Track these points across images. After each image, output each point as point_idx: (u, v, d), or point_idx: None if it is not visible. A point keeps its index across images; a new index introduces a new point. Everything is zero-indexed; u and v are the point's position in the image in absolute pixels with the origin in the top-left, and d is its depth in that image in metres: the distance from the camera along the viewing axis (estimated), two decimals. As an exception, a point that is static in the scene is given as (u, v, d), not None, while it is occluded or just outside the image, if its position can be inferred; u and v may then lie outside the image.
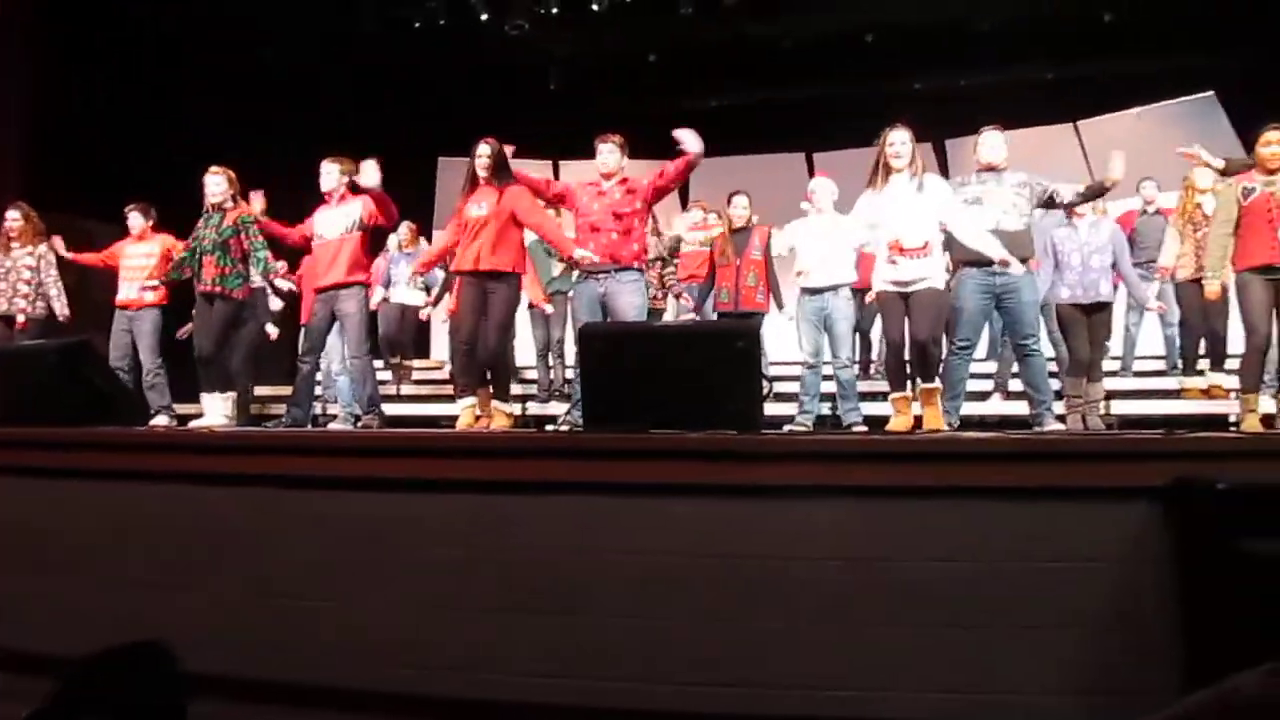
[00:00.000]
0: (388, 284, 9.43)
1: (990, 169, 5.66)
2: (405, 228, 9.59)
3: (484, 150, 6.03)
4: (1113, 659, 2.92)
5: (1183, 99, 10.58)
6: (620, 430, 3.64)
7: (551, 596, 3.23)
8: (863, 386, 8.56)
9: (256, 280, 7.21)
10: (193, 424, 6.36)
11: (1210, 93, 10.28)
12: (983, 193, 5.60)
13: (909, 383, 5.92)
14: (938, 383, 5.57)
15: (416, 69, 11.40)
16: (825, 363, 6.77)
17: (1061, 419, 6.15)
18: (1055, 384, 6.78)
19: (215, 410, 6.46)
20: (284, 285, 6.71)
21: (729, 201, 7.31)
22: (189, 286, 6.71)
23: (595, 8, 10.41)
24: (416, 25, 10.68)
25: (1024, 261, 5.46)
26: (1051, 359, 7.67)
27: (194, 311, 6.74)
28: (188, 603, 3.46)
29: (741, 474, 3.24)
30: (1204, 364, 7.72)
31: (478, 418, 6.23)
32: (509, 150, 6.15)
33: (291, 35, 10.29)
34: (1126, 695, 2.84)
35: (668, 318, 8.34)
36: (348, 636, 3.35)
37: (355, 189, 6.35)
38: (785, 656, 3.05)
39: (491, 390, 6.14)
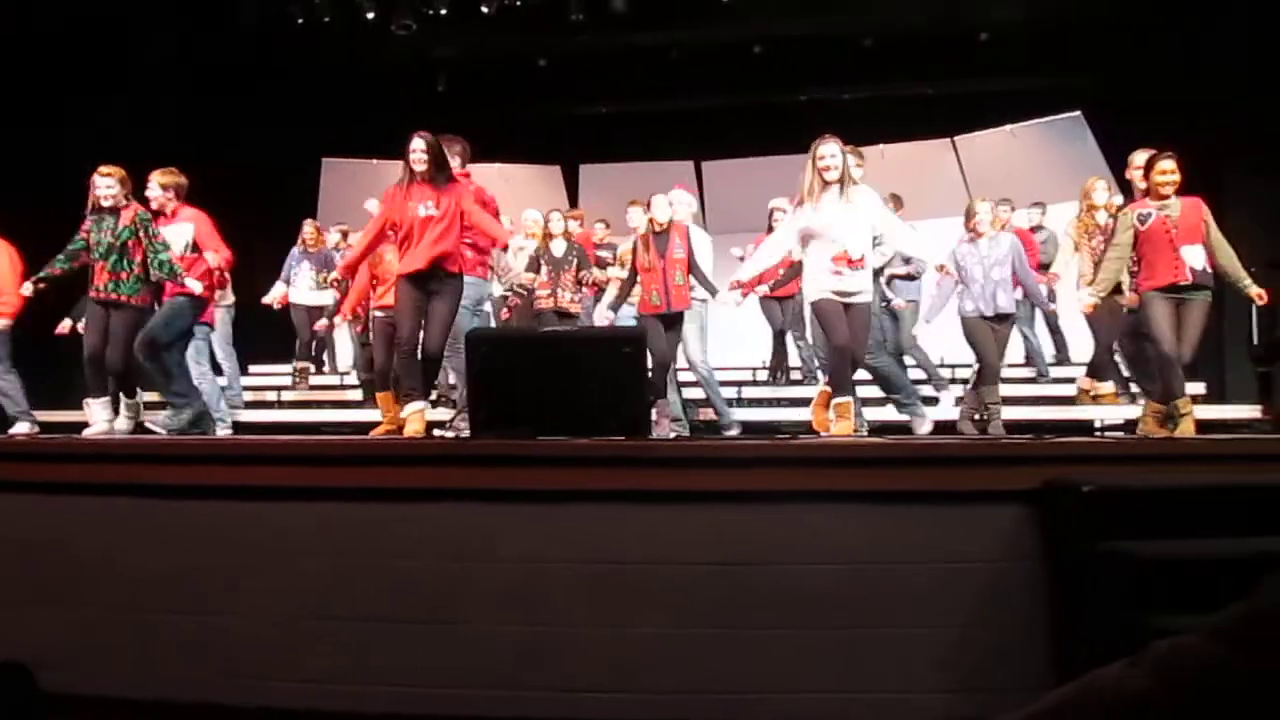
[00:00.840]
0: (288, 283, 9.22)
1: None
2: (309, 226, 9.36)
3: (418, 145, 5.77)
4: (984, 656, 3.01)
5: (1052, 117, 11.03)
6: (507, 437, 3.62)
7: (427, 605, 3.19)
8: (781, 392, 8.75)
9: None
10: (86, 432, 6.04)
11: (1078, 112, 10.73)
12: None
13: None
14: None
15: (300, 67, 11.13)
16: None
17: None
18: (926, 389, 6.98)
19: (100, 416, 6.17)
20: (195, 286, 6.25)
21: (648, 205, 7.31)
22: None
23: (485, 10, 10.30)
24: (300, 22, 10.42)
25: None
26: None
27: (86, 315, 6.36)
28: (42, 618, 3.31)
29: (626, 480, 3.25)
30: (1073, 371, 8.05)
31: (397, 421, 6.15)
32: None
33: (167, 31, 9.93)
34: (996, 691, 2.93)
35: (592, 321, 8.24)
36: (213, 650, 3.24)
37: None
38: (664, 661, 3.07)
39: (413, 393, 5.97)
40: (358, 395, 8.96)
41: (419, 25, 10.49)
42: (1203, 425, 6.68)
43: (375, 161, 11.51)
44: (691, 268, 7.04)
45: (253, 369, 10.40)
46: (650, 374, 7.09)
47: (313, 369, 9.95)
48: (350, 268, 6.46)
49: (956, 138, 11.87)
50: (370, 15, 10.33)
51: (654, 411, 6.22)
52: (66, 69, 9.14)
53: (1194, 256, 5.60)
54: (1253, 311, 6.61)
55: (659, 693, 3.05)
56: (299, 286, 9.20)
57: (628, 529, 3.19)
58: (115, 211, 6.12)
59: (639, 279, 7.05)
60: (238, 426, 7.99)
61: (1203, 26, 8.96)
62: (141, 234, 6.09)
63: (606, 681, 3.07)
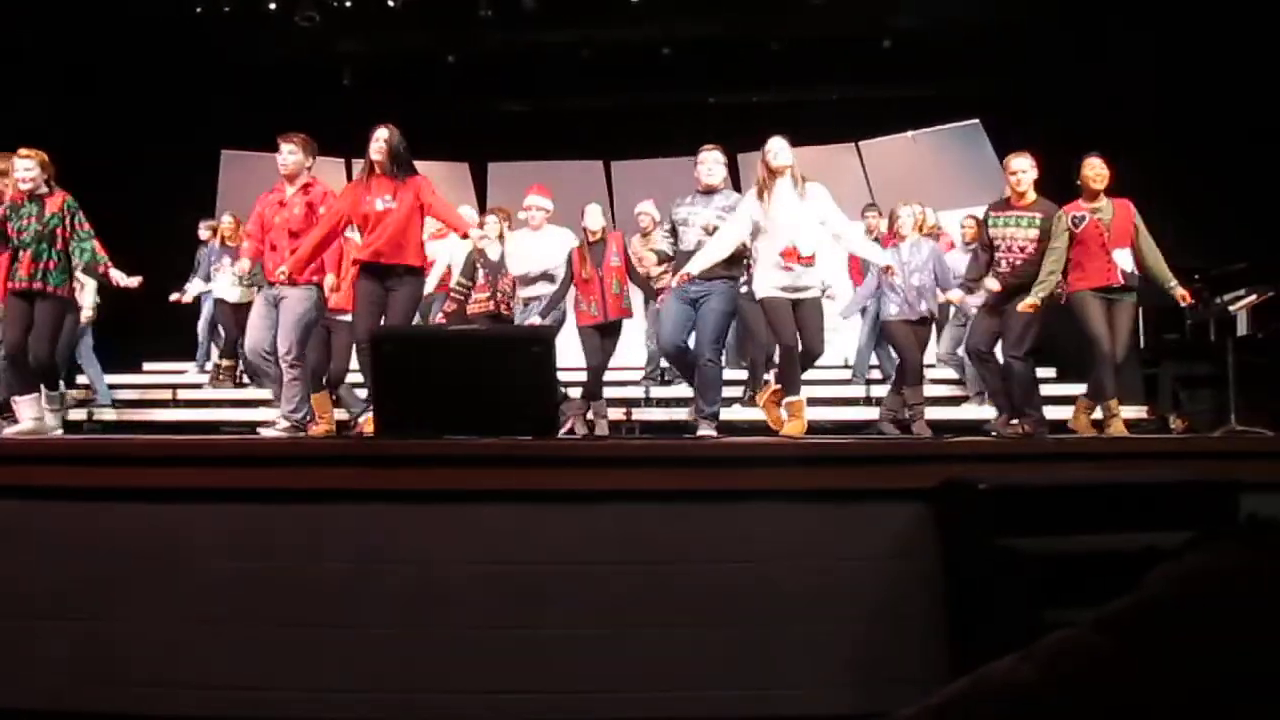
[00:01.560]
0: (208, 279, 8.99)
1: (710, 190, 5.86)
2: (229, 219, 9.10)
3: (380, 135, 5.62)
4: (884, 652, 3.07)
5: (952, 125, 11.30)
6: (411, 437, 3.57)
7: (327, 609, 3.13)
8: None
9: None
10: (9, 431, 5.72)
11: (976, 120, 11.02)
12: (689, 214, 5.80)
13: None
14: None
15: (199, 58, 10.81)
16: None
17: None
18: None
19: (28, 414, 5.81)
20: (124, 280, 5.86)
21: (581, 214, 7.25)
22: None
23: (391, 4, 10.15)
24: (199, 10, 10.11)
25: (711, 280, 5.64)
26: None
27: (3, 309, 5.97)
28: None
29: (531, 480, 3.24)
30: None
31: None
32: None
33: (60, 21, 9.55)
34: (896, 686, 2.99)
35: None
36: (103, 658, 3.13)
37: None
38: (566, 661, 3.07)
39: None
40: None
41: (322, 18, 10.28)
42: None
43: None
44: (630, 274, 7.03)
45: (148, 366, 10.09)
46: (587, 381, 7.07)
47: (240, 367, 9.62)
48: (300, 265, 5.82)
49: (861, 142, 12.07)
50: (272, 6, 10.09)
51: (564, 412, 6.20)
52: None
53: (1124, 259, 5.80)
54: (1139, 315, 6.86)
55: (564, 693, 3.04)
56: (221, 282, 8.92)
57: (533, 529, 3.18)
58: (38, 198, 5.73)
59: (576, 292, 6.99)
60: (137, 426, 7.77)
61: (1100, 34, 9.27)
62: (70, 220, 5.73)
63: (510, 683, 3.05)
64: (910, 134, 11.63)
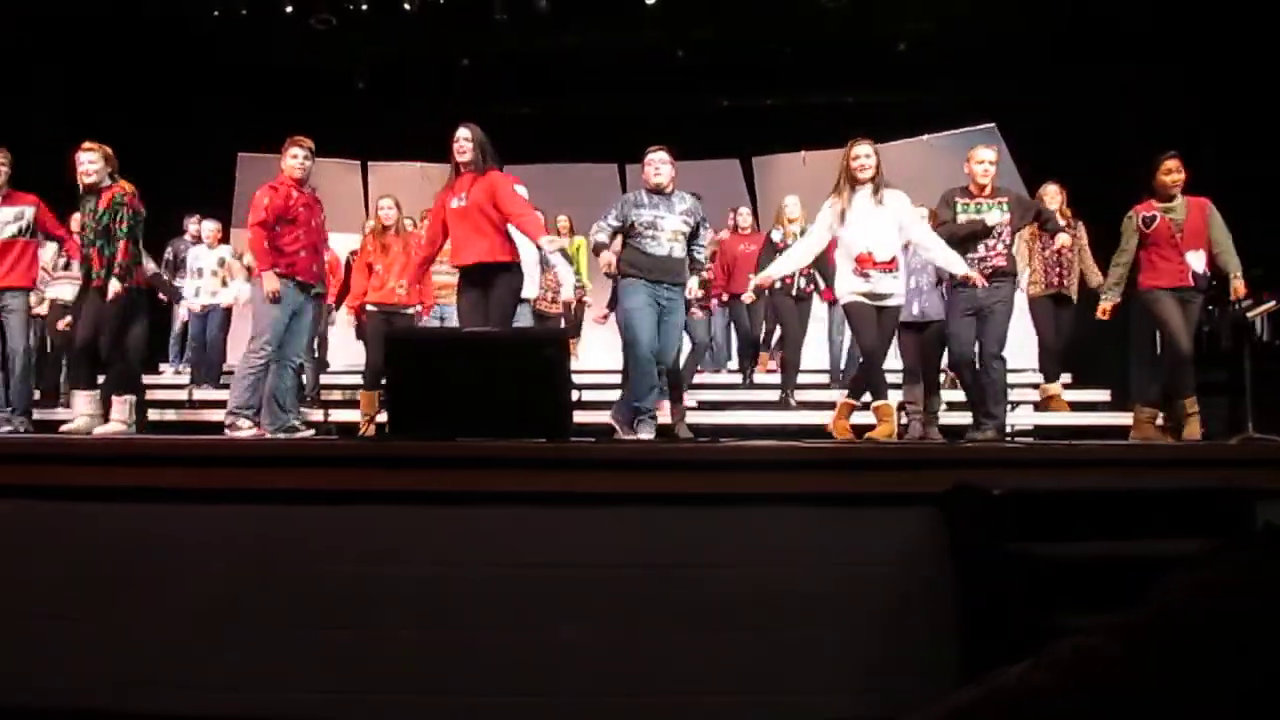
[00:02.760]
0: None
1: (659, 190, 5.84)
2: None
3: (463, 134, 5.64)
4: (893, 658, 3.06)
5: (968, 129, 11.24)
6: (423, 438, 3.57)
7: (337, 611, 3.13)
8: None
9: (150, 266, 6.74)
10: (99, 430, 5.72)
11: (992, 124, 10.97)
12: (656, 218, 5.76)
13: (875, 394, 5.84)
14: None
15: (215, 61, 10.86)
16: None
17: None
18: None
19: (82, 409, 5.89)
20: (111, 290, 5.78)
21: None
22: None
23: (407, 7, 10.18)
24: (216, 14, 10.16)
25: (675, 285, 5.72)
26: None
27: (73, 304, 6.18)
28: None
29: (545, 482, 3.23)
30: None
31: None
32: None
33: (76, 20, 9.60)
34: (906, 692, 2.97)
35: None
36: (104, 657, 3.13)
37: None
38: (577, 666, 3.06)
39: None
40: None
41: (339, 21, 10.32)
42: (1104, 431, 6.87)
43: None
44: None
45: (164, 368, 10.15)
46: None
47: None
48: (423, 268, 6.20)
49: (877, 146, 12.02)
50: (289, 9, 10.13)
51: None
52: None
53: (1196, 261, 5.78)
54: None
55: (572, 697, 3.03)
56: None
57: (543, 532, 3.17)
58: (96, 191, 5.84)
59: None
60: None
61: (1118, 35, 9.23)
62: (112, 217, 5.79)
63: (518, 687, 3.04)
64: (925, 138, 11.59)
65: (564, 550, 3.14)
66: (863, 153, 5.65)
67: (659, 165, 5.81)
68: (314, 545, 3.19)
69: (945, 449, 3.77)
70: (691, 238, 5.88)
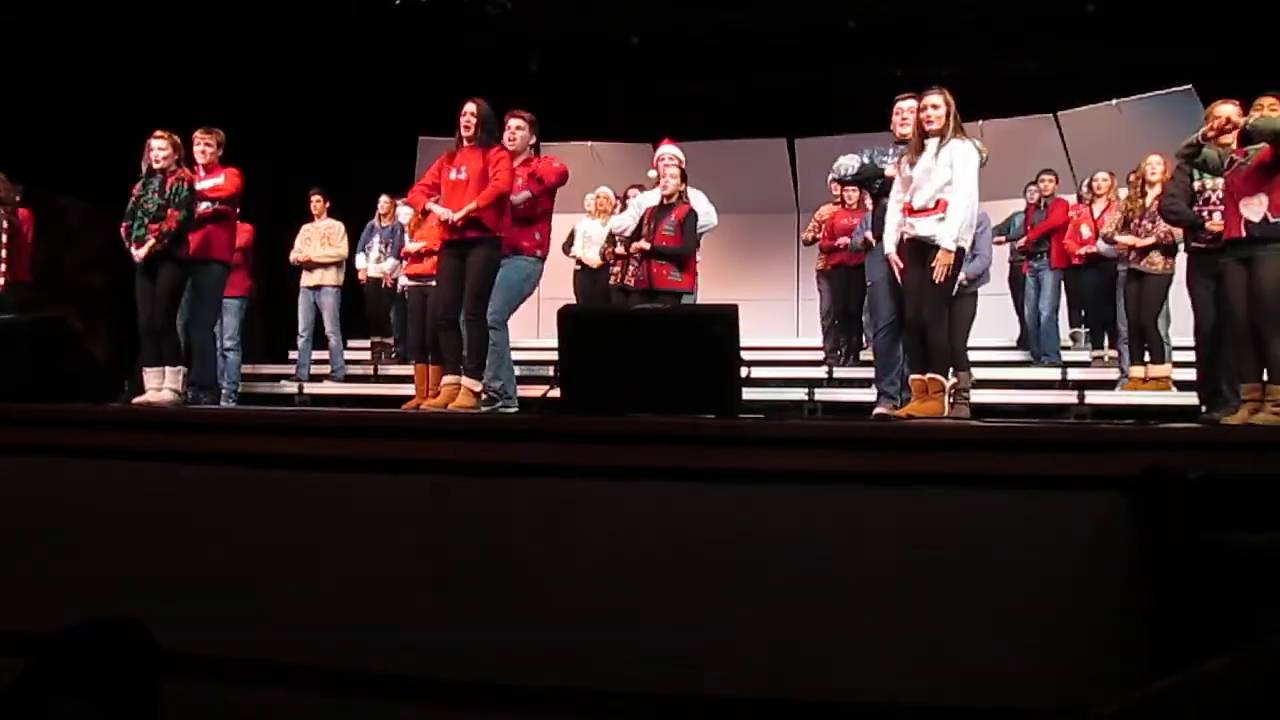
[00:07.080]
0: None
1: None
2: (384, 199, 9.55)
3: (468, 109, 5.94)
4: (1079, 647, 2.94)
5: (1160, 92, 10.60)
6: (597, 413, 3.64)
7: (514, 580, 3.22)
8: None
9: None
10: (153, 399, 6.12)
11: (1189, 86, 10.30)
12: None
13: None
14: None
15: (396, 47, 11.30)
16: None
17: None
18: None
19: (152, 384, 6.25)
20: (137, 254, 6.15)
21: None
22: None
23: (574, -12, 10.40)
24: (396, 2, 10.57)
25: None
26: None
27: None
28: (160, 581, 3.43)
29: (715, 459, 3.24)
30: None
31: (436, 394, 6.20)
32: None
33: (268, 8, 10.16)
34: (1094, 683, 2.86)
35: None
36: (309, 615, 3.32)
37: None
38: (759, 641, 3.06)
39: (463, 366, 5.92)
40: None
41: (513, 5, 10.58)
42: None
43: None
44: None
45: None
46: None
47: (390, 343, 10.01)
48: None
49: (1060, 113, 11.50)
50: (465, -2, 10.47)
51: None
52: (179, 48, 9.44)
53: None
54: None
55: (756, 671, 3.03)
56: (370, 260, 9.60)
57: (712, 508, 3.18)
58: (163, 173, 6.19)
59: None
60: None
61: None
62: (179, 195, 6.14)
63: (691, 659, 3.07)
64: (1115, 102, 10.99)
65: (734, 528, 3.14)
66: (929, 102, 5.31)
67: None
68: (490, 513, 3.30)
69: (1137, 430, 3.59)
70: None
